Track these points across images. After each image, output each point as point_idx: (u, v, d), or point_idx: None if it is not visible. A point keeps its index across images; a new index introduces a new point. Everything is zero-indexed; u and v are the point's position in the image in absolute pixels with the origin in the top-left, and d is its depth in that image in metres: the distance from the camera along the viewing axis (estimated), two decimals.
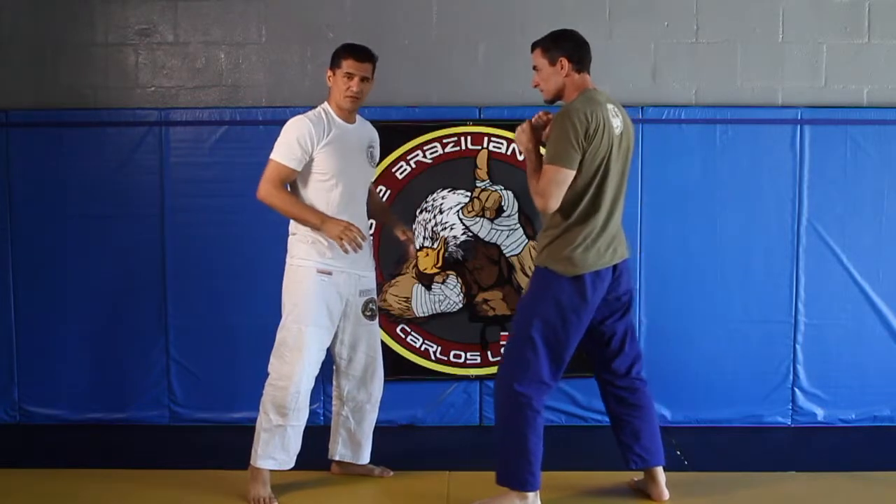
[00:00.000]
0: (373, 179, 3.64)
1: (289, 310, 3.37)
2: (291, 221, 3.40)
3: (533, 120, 3.21)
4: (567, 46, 3.15)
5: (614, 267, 3.18)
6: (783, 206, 4.25)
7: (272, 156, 3.32)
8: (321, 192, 3.35)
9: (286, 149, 3.31)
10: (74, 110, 4.29)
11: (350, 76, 3.36)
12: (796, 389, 4.31)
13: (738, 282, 4.26)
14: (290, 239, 3.42)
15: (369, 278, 3.53)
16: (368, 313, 3.51)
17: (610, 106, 3.12)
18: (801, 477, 3.64)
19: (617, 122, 3.12)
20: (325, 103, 3.44)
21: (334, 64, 3.39)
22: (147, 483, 3.57)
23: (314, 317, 3.34)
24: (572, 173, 3.03)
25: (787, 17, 4.29)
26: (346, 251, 3.30)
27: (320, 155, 3.33)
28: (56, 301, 4.31)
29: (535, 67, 3.21)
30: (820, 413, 4.31)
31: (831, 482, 3.59)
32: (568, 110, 3.05)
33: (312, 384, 3.39)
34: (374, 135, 3.57)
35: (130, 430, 4.28)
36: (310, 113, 3.39)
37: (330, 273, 3.35)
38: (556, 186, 3.02)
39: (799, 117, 4.23)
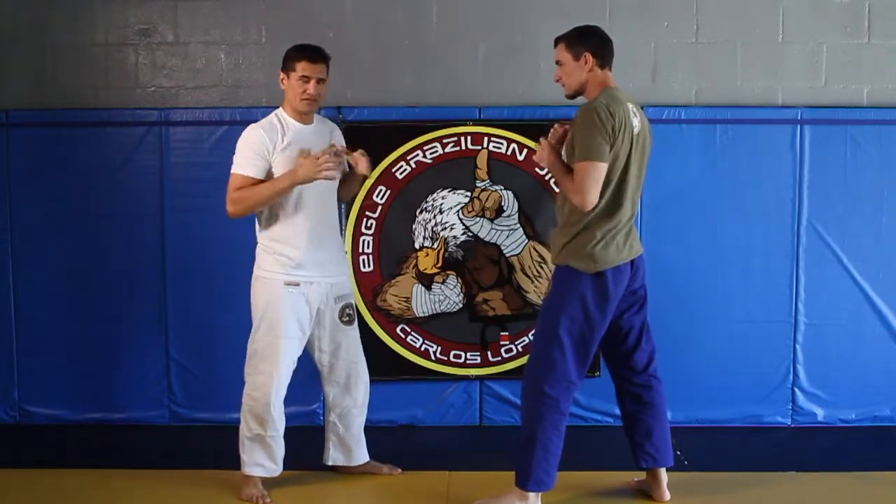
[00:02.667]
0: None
1: (258, 322, 3.38)
2: (257, 231, 3.39)
3: (549, 136, 3.23)
4: (592, 42, 3.17)
5: (632, 262, 3.20)
6: (783, 206, 4.24)
7: (232, 169, 3.30)
8: (286, 197, 3.32)
9: (242, 159, 3.30)
10: (74, 110, 4.29)
11: (306, 79, 3.30)
12: (796, 389, 4.31)
13: (738, 282, 4.26)
14: (257, 248, 3.42)
15: (343, 283, 3.51)
16: (346, 319, 3.50)
17: (630, 105, 3.15)
18: (801, 477, 3.64)
19: (636, 122, 3.14)
20: (280, 108, 3.40)
21: (287, 67, 3.34)
22: (147, 483, 3.57)
23: (284, 328, 3.34)
24: (605, 166, 3.04)
25: (787, 17, 4.29)
26: (332, 177, 3.26)
27: (278, 160, 3.30)
28: (56, 301, 4.31)
29: (557, 62, 3.22)
30: (820, 413, 4.31)
31: (831, 482, 3.60)
32: (593, 106, 3.06)
33: (284, 393, 3.40)
34: (336, 131, 3.53)
35: (130, 430, 4.28)
36: (262, 121, 3.36)
37: (297, 284, 3.35)
38: (592, 181, 3.03)
39: (799, 117, 4.23)
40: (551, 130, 3.27)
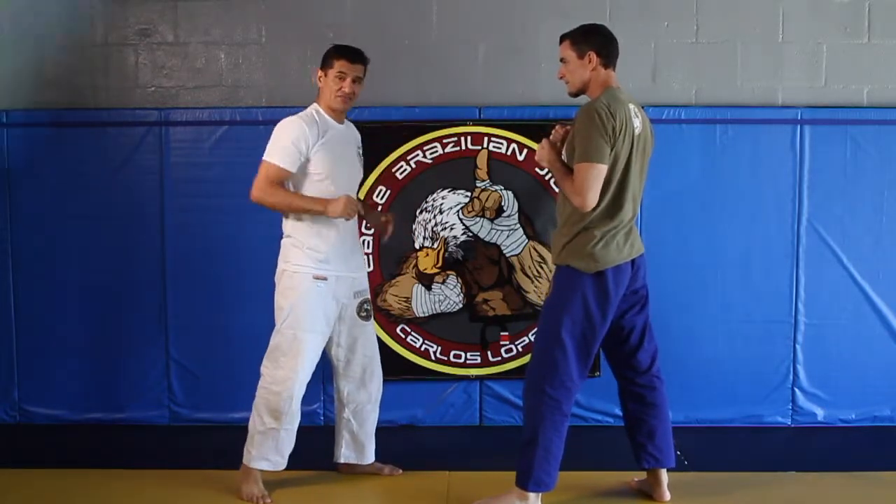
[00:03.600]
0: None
1: (284, 315, 3.37)
2: (286, 224, 3.40)
3: (551, 137, 3.24)
4: (596, 41, 3.17)
5: (632, 261, 3.20)
6: (783, 206, 4.25)
7: (266, 157, 3.31)
8: (316, 193, 3.34)
9: (281, 150, 3.30)
10: (74, 110, 4.29)
11: (342, 76, 3.36)
12: (796, 389, 4.31)
13: (738, 282, 4.26)
14: (284, 242, 3.42)
15: (362, 278, 3.54)
16: (363, 314, 3.51)
17: (631, 106, 3.15)
18: (801, 477, 3.64)
19: (637, 123, 3.14)
20: (315, 104, 3.43)
21: (326, 64, 3.39)
22: (147, 483, 3.57)
23: (310, 323, 3.35)
24: (605, 167, 3.04)
25: (787, 17, 4.29)
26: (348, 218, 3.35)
27: (316, 156, 3.33)
28: (56, 301, 4.30)
29: (562, 59, 3.23)
30: (820, 413, 4.31)
31: (831, 482, 3.60)
32: (594, 107, 3.07)
33: (304, 389, 3.41)
34: (359, 136, 3.58)
35: (130, 430, 4.28)
36: (302, 114, 3.39)
37: (325, 278, 3.36)
38: (592, 182, 3.04)
39: (799, 117, 4.23)
40: (553, 131, 3.27)
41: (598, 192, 3.05)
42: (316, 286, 3.35)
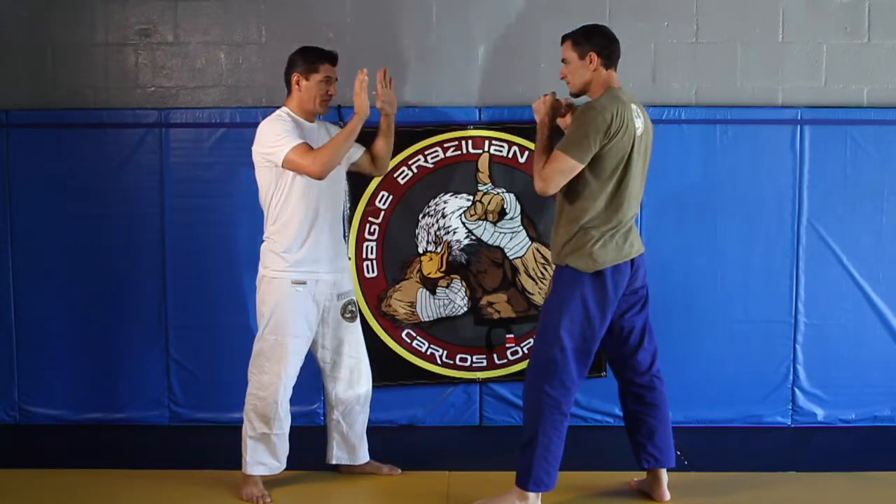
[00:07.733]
0: (344, 174, 3.60)
1: (265, 321, 3.38)
2: (266, 226, 3.40)
3: (558, 97, 3.25)
4: (597, 41, 3.19)
5: (632, 261, 3.21)
6: (783, 206, 4.25)
7: (285, 150, 3.24)
8: (299, 188, 3.33)
9: (288, 137, 3.25)
10: (74, 110, 4.29)
11: (329, 80, 3.37)
12: (796, 389, 4.31)
13: (738, 282, 4.26)
14: (263, 247, 3.42)
15: (345, 279, 3.53)
16: (348, 315, 3.51)
17: (633, 106, 3.16)
18: (801, 477, 3.65)
19: (639, 123, 3.15)
20: (285, 108, 3.40)
21: (308, 69, 3.35)
22: (147, 483, 3.58)
23: (292, 328, 3.35)
24: (580, 167, 3.06)
25: (787, 17, 4.29)
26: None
27: None
28: (56, 301, 4.30)
29: (563, 60, 3.24)
30: (820, 413, 4.31)
31: (831, 482, 3.60)
32: (594, 106, 3.08)
33: (290, 393, 3.42)
34: (332, 128, 3.55)
35: (130, 430, 4.28)
36: (274, 117, 3.36)
37: (304, 282, 3.35)
38: (560, 174, 3.07)
39: (799, 117, 4.23)
40: (564, 99, 3.28)
41: (560, 185, 3.09)
42: (295, 290, 3.34)
